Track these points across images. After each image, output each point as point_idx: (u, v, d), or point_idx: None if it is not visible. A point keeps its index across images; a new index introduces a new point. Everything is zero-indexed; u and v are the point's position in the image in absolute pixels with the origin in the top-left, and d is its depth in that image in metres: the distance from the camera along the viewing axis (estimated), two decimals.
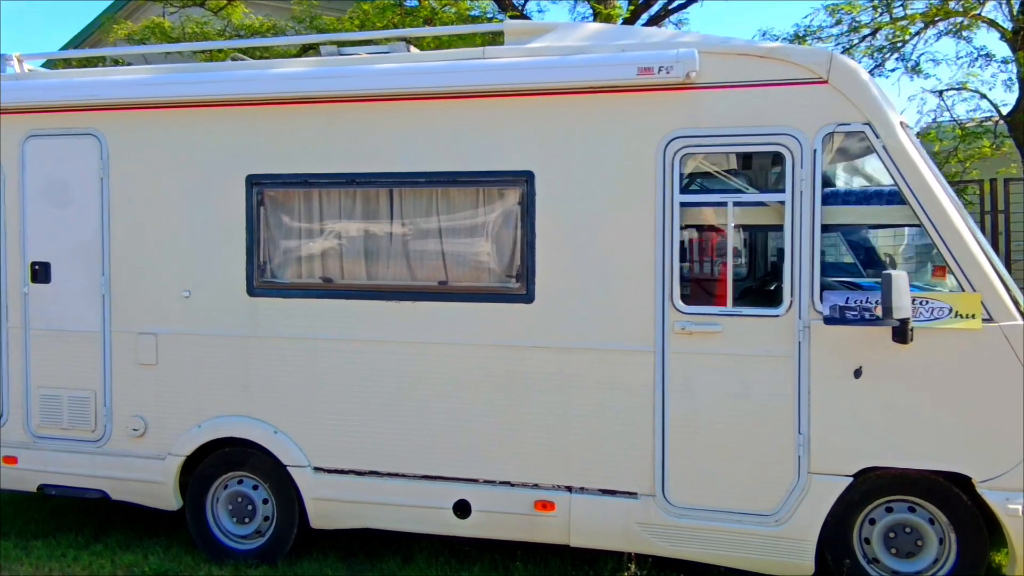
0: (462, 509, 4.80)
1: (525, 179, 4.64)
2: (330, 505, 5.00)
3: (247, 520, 5.22)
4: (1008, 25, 9.64)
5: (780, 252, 4.67)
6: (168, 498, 5.24)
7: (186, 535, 5.49)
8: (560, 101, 4.57)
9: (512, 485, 4.75)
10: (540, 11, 10.16)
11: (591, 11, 8.50)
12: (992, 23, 9.74)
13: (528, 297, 4.67)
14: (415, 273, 4.89)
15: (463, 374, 4.78)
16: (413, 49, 5.18)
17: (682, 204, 4.47)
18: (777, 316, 4.37)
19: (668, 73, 4.33)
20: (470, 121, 4.70)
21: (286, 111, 4.95)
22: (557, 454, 4.67)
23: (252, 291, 5.04)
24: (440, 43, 8.40)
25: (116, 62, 9.80)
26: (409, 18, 10.50)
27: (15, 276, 5.41)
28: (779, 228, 4.50)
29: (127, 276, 5.23)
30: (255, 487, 5.21)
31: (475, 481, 4.80)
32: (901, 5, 9.28)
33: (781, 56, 4.33)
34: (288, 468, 5.03)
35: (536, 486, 4.72)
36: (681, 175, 4.46)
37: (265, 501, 5.19)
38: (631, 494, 4.59)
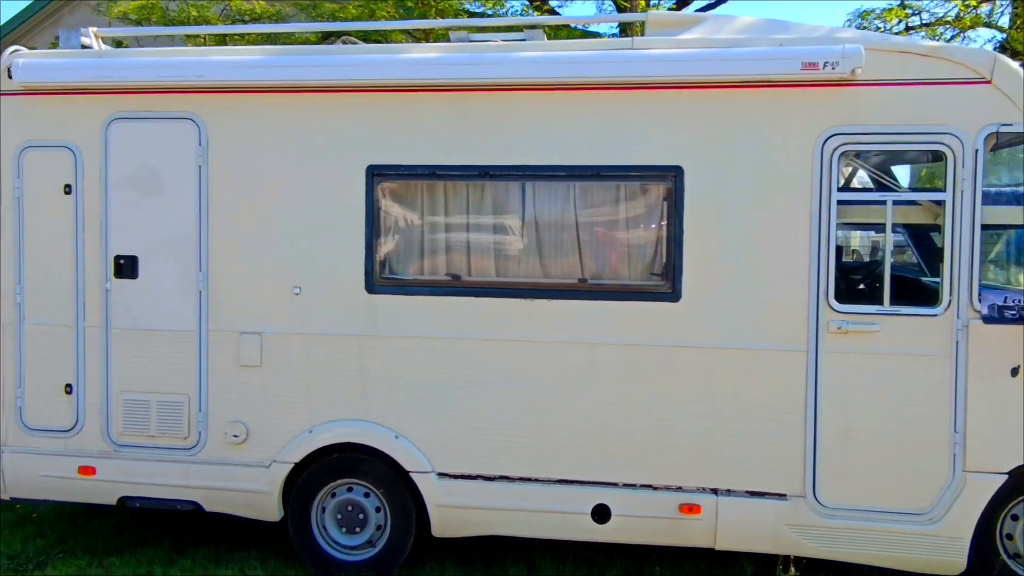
0: (600, 514, 4.64)
1: (674, 174, 4.50)
2: (456, 512, 4.76)
3: (358, 530, 4.93)
4: None
5: (929, 251, 4.67)
6: (271, 508, 4.90)
7: (277, 546, 5.18)
8: (713, 95, 4.44)
9: (654, 488, 4.62)
10: (561, 5, 10.00)
11: (614, 7, 8.41)
12: None
13: (674, 296, 4.54)
14: (550, 270, 4.70)
15: (603, 374, 4.61)
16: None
17: (839, 202, 4.41)
18: (935, 316, 4.36)
19: (833, 69, 4.26)
20: (616, 113, 4.52)
21: (413, 99, 4.66)
22: (703, 456, 4.57)
23: (372, 288, 4.75)
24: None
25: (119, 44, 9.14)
26: (411, 2, 10.15)
27: (94, 271, 4.95)
28: (930, 227, 4.50)
29: (228, 271, 4.86)
30: (366, 494, 4.92)
31: (614, 485, 4.65)
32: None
33: (945, 55, 4.31)
34: (411, 475, 4.76)
35: (680, 489, 4.61)
36: (839, 172, 4.40)
37: (378, 509, 4.92)
38: (780, 495, 4.53)
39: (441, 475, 4.76)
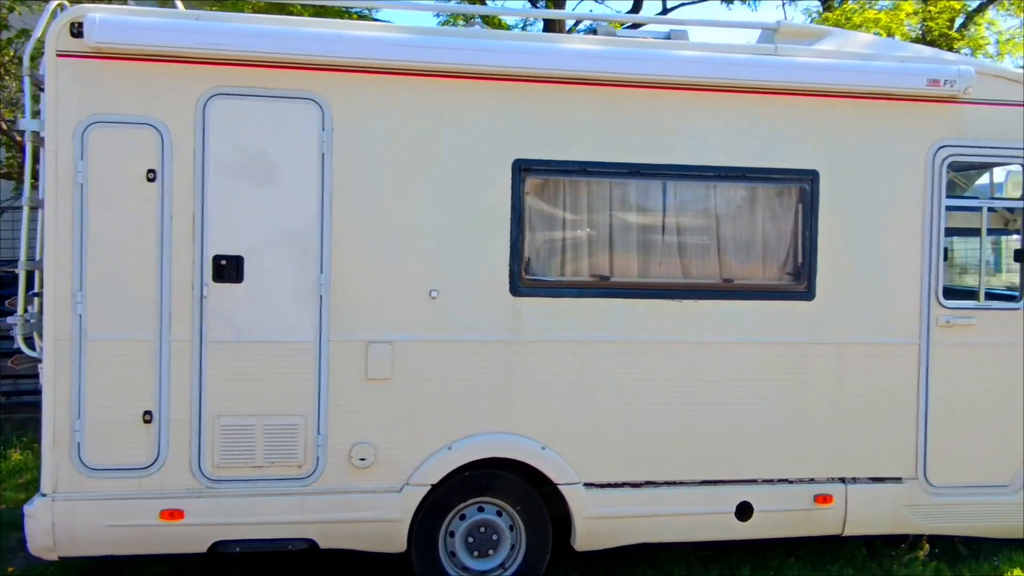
0: (743, 511, 4.71)
1: (810, 178, 4.71)
2: (603, 523, 4.58)
3: (491, 552, 4.57)
4: None
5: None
6: (399, 538, 4.40)
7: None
8: (845, 104, 4.71)
9: (791, 482, 4.78)
10: None
11: None
12: None
13: (809, 294, 4.74)
14: (691, 270, 4.69)
15: (743, 373, 4.69)
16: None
17: (946, 208, 4.87)
18: (1017, 309, 4.96)
19: (951, 86, 4.71)
20: (760, 117, 4.65)
21: (564, 91, 4.45)
22: (833, 447, 4.80)
23: (516, 290, 4.45)
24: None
25: None
26: None
27: (184, 274, 4.15)
28: (1001, 231, 5.11)
29: (354, 274, 4.30)
30: (499, 513, 4.58)
31: (754, 482, 4.74)
32: None
33: None
34: (560, 487, 4.51)
35: (812, 480, 4.80)
36: (947, 181, 4.87)
37: (511, 528, 4.59)
38: (897, 479, 4.88)
39: (588, 485, 4.56)
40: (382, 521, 4.36)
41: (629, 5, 13.85)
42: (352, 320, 4.30)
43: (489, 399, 4.45)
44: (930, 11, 10.15)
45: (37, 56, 4.67)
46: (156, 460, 4.16)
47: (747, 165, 4.66)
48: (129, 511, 4.14)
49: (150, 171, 4.11)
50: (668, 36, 4.83)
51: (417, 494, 4.38)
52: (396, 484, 4.37)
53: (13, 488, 6.47)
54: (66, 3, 4.25)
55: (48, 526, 4.07)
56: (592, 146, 4.51)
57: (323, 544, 4.33)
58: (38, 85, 4.28)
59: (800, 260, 4.74)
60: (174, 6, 4.85)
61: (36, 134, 4.18)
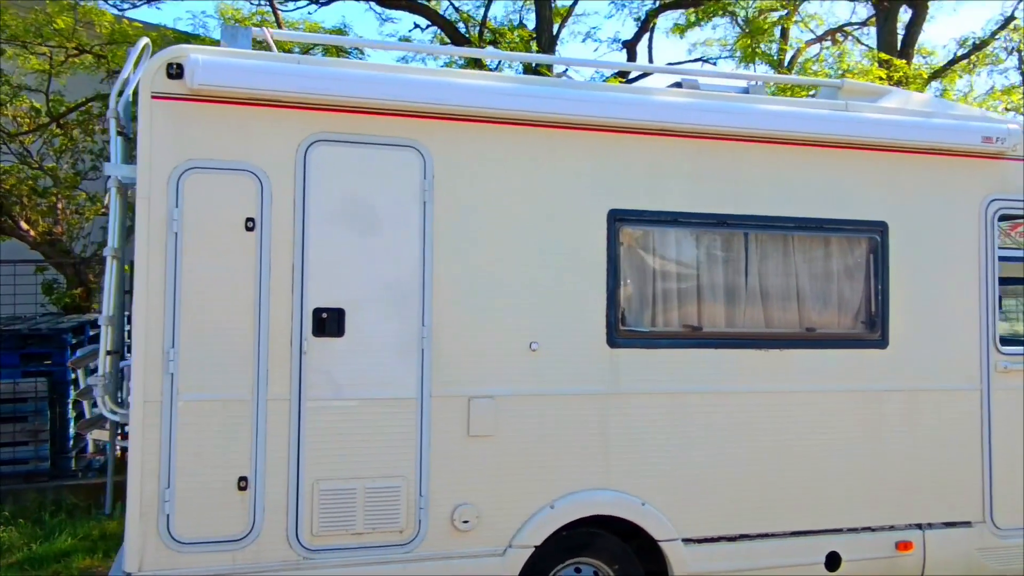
0: (832, 561, 4.69)
1: (881, 229, 4.86)
2: None
3: None
4: None
5: None
6: None
7: None
8: (908, 158, 4.91)
9: (873, 530, 4.80)
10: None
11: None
12: None
13: (883, 343, 4.85)
14: (774, 320, 4.73)
15: (827, 421, 4.73)
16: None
17: (1000, 258, 5.10)
18: None
19: (1001, 143, 4.99)
20: (834, 169, 4.78)
21: (655, 142, 4.48)
22: (909, 493, 4.86)
23: (613, 341, 4.38)
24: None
25: None
26: None
27: (282, 328, 3.91)
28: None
29: (455, 325, 4.15)
30: (595, 573, 4.42)
31: (840, 531, 4.74)
32: None
33: None
34: (660, 543, 4.39)
35: (892, 527, 4.84)
36: (997, 232, 5.11)
37: None
38: (967, 523, 4.97)
39: (686, 541, 4.46)
40: None
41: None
42: (453, 374, 4.14)
43: (589, 454, 4.33)
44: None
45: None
46: (251, 530, 3.85)
47: (821, 216, 4.77)
48: None
49: (249, 219, 3.89)
50: (747, 90, 4.95)
51: (521, 556, 4.19)
52: (499, 547, 4.17)
53: (6, 569, 5.87)
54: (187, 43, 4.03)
55: None
56: (683, 196, 4.54)
57: None
58: (120, 129, 4.02)
59: (874, 309, 4.86)
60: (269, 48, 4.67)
61: (118, 180, 3.92)
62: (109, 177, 3.92)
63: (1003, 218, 5.23)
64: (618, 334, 4.40)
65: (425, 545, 4.07)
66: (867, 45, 14.60)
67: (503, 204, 4.26)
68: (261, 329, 3.89)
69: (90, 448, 4.62)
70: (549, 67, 10.10)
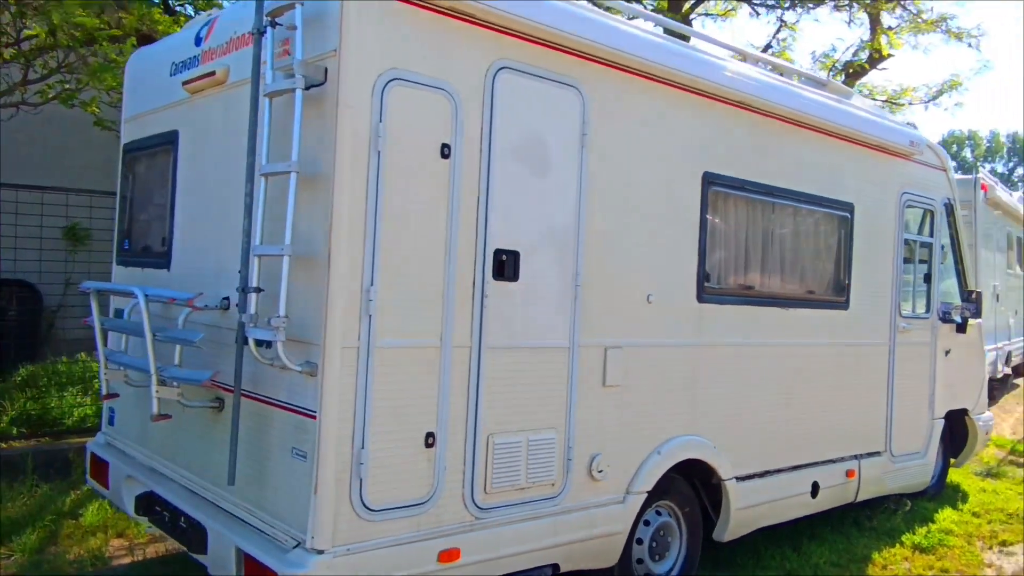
0: (815, 489, 5.49)
1: (851, 209, 5.73)
2: (746, 513, 4.97)
3: (665, 555, 4.64)
4: None
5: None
6: (616, 551, 4.26)
7: None
8: (870, 151, 5.85)
9: (834, 462, 5.70)
10: None
11: None
12: None
13: (846, 305, 5.75)
14: (808, 284, 5.37)
15: (818, 370, 5.51)
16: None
17: (904, 240, 6.30)
18: (927, 319, 6.60)
19: (915, 148, 6.17)
20: (832, 155, 5.53)
21: (747, 117, 4.84)
22: (854, 429, 5.85)
23: (701, 297, 4.65)
24: None
25: None
26: None
27: (465, 270, 3.55)
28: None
29: (599, 273, 4.09)
30: (670, 514, 4.68)
31: (819, 463, 5.56)
32: None
33: (939, 153, 6.61)
34: (724, 483, 4.79)
35: (843, 459, 5.79)
36: (904, 218, 6.29)
37: (679, 529, 4.72)
38: (878, 452, 6.12)
39: (738, 479, 4.91)
40: (609, 536, 4.18)
41: None
42: (595, 323, 4.09)
43: (682, 403, 4.57)
44: None
45: None
46: (434, 492, 3.46)
47: (827, 196, 5.49)
48: (409, 558, 3.37)
49: (444, 146, 3.44)
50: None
51: (637, 502, 4.30)
52: (619, 495, 4.24)
53: None
54: None
55: None
56: (745, 166, 4.91)
57: (564, 567, 4.00)
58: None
59: (843, 277, 5.72)
60: None
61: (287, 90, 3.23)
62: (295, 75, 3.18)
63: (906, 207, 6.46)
64: (704, 290, 4.67)
65: (569, 497, 3.99)
66: None
67: (632, 155, 4.26)
68: (450, 269, 3.49)
69: (155, 408, 3.64)
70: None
